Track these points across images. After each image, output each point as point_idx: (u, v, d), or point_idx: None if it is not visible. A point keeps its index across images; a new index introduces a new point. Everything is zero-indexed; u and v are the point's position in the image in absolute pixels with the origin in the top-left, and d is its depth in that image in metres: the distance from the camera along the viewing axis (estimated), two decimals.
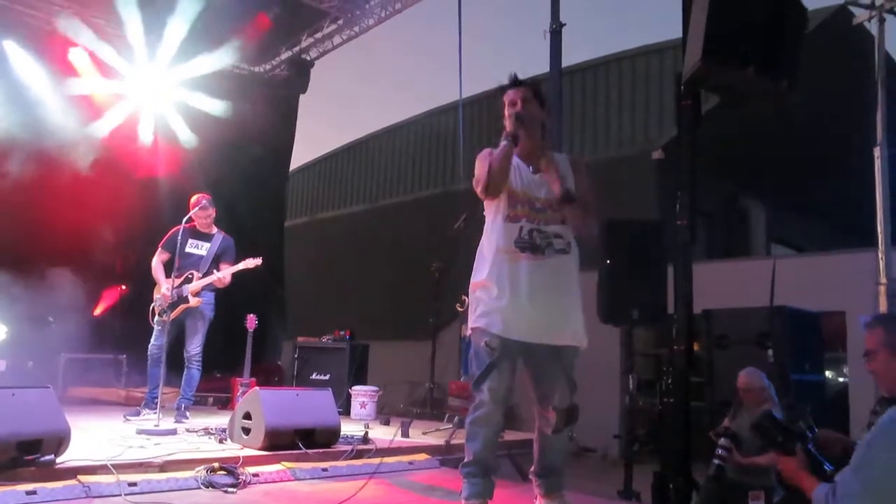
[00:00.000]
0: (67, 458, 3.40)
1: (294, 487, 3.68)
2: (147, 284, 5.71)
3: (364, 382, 6.80)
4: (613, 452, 8.19)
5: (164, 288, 5.38)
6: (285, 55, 9.79)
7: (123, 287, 8.53)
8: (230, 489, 3.45)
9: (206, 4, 7.29)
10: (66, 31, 7.51)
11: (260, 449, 4.09)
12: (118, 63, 7.75)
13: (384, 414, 6.54)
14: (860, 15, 5.94)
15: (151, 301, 5.56)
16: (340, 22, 9.21)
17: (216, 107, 8.01)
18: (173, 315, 5.32)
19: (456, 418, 5.54)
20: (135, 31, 7.49)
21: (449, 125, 14.35)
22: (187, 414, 5.40)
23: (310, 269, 14.86)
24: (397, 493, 3.69)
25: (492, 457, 3.05)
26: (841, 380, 9.26)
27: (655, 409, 5.85)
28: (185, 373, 5.48)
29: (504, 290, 2.94)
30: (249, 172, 9.14)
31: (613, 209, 4.80)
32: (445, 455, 4.56)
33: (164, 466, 3.59)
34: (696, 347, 5.85)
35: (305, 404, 4.47)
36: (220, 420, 5.11)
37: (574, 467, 3.34)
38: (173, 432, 4.58)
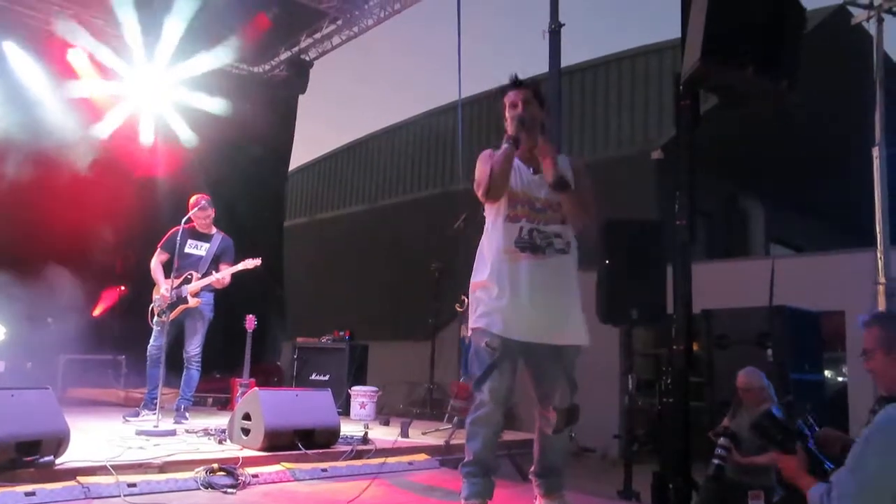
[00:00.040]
0: (67, 459, 3.40)
1: (293, 488, 3.68)
2: (146, 285, 5.71)
3: (363, 383, 6.80)
4: (613, 452, 8.20)
5: (164, 288, 5.38)
6: (284, 55, 9.80)
7: (122, 288, 8.53)
8: (229, 490, 3.44)
9: (203, 3, 7.29)
10: (63, 34, 7.51)
11: (259, 450, 4.09)
12: (117, 64, 7.75)
13: (384, 414, 6.53)
14: (859, 15, 5.94)
15: (150, 302, 5.56)
16: (339, 22, 9.21)
17: (216, 105, 8.01)
18: (172, 316, 5.32)
19: (455, 418, 5.54)
20: (132, 31, 7.49)
21: (448, 125, 14.34)
22: (186, 415, 5.39)
23: (309, 269, 14.86)
24: (397, 494, 3.69)
25: (492, 457, 3.05)
26: (840, 379, 9.27)
27: (655, 409, 5.85)
28: (184, 373, 5.48)
29: (504, 290, 2.95)
30: (249, 172, 9.15)
31: (613, 209, 4.80)
32: (445, 455, 4.55)
33: (164, 467, 3.58)
34: (695, 347, 5.85)
35: (305, 405, 4.47)
36: (220, 421, 5.11)
37: (574, 467, 3.34)
38: (172, 433, 4.57)
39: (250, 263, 5.48)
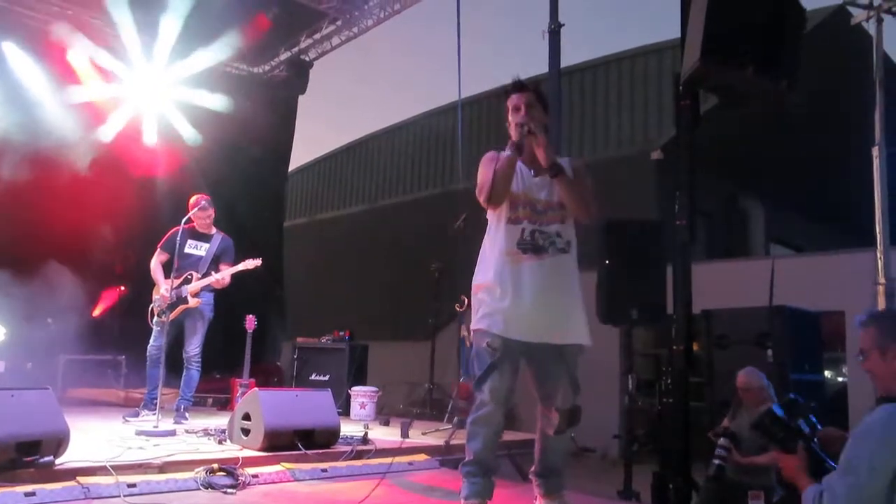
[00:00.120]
0: (66, 460, 3.40)
1: (293, 488, 3.67)
2: (146, 285, 5.71)
3: (363, 383, 6.80)
4: (613, 452, 8.20)
5: (163, 289, 5.37)
6: (284, 56, 9.79)
7: (122, 288, 8.53)
8: (229, 490, 3.44)
9: (199, 0, 7.28)
10: (62, 37, 7.52)
11: (259, 450, 4.09)
12: (117, 66, 7.75)
13: (384, 414, 6.53)
14: (858, 15, 5.93)
15: (150, 302, 5.56)
16: (339, 23, 9.21)
17: (216, 101, 8.01)
18: (172, 316, 5.32)
19: (455, 419, 5.55)
20: (128, 31, 7.49)
21: (448, 125, 14.34)
22: (186, 415, 5.39)
23: (309, 269, 14.86)
24: (397, 494, 3.69)
25: (492, 457, 3.05)
26: (840, 379, 9.28)
27: (655, 410, 5.84)
28: (184, 374, 5.48)
29: (507, 291, 2.95)
30: (249, 173, 9.15)
31: (613, 209, 4.80)
32: (445, 455, 4.55)
33: (164, 467, 3.58)
34: (695, 347, 5.84)
35: (305, 405, 4.46)
36: (220, 421, 5.11)
37: (574, 467, 3.34)
38: (172, 433, 4.57)
39: (250, 264, 5.48)
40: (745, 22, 3.40)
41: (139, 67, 7.75)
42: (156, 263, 5.54)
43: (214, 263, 5.54)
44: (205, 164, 8.25)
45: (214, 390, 7.20)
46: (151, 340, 5.40)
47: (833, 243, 12.06)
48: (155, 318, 5.42)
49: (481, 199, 3.00)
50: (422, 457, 4.49)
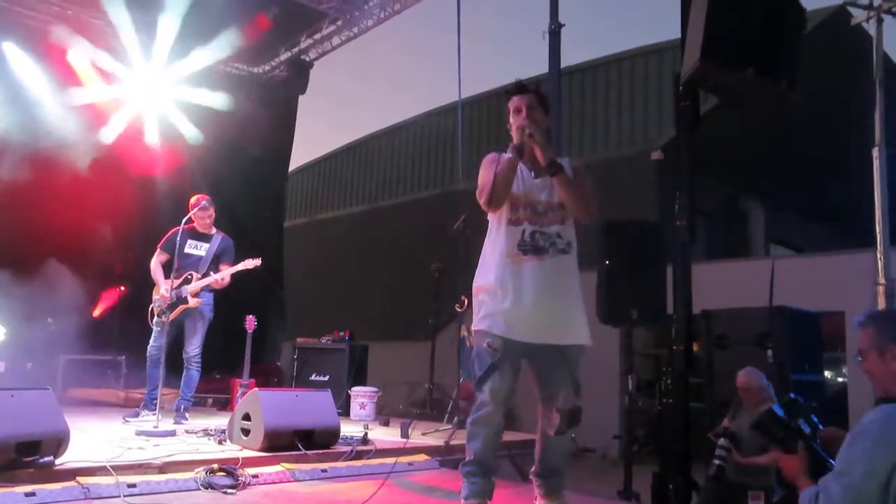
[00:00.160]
0: (66, 460, 3.40)
1: (293, 489, 3.68)
2: (146, 285, 5.71)
3: (363, 383, 6.80)
4: (613, 453, 8.19)
5: (163, 289, 5.37)
6: (284, 56, 9.79)
7: (122, 288, 8.52)
8: (229, 490, 3.44)
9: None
10: (62, 39, 7.52)
11: (259, 450, 4.09)
12: (117, 67, 7.75)
13: (383, 415, 6.53)
14: (858, 15, 5.93)
15: (150, 302, 5.56)
16: (339, 23, 9.20)
17: (216, 100, 8.01)
18: (172, 316, 5.32)
19: (455, 419, 5.55)
20: (127, 31, 7.49)
21: (448, 126, 14.35)
22: (186, 415, 5.39)
23: (309, 269, 14.86)
24: (397, 494, 3.69)
25: (492, 457, 3.05)
26: (840, 380, 9.28)
27: (655, 410, 5.84)
28: (184, 374, 5.48)
29: (507, 293, 2.96)
30: (249, 173, 9.14)
31: (613, 210, 4.80)
32: (445, 456, 4.55)
33: (164, 468, 3.59)
34: (695, 348, 5.85)
35: (305, 405, 4.46)
36: (220, 421, 5.11)
37: (573, 468, 3.34)
38: (172, 433, 4.57)
39: (250, 263, 5.48)
40: (745, 22, 3.40)
41: (139, 68, 7.74)
42: (156, 263, 5.54)
43: (214, 263, 5.54)
44: (205, 164, 8.24)
45: (214, 390, 7.20)
46: (151, 341, 5.40)
47: (833, 243, 12.07)
48: (155, 319, 5.42)
49: (481, 201, 3.00)
50: (422, 457, 4.49)
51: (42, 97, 7.71)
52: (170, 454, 3.78)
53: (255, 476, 3.67)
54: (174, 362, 5.37)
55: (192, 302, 5.39)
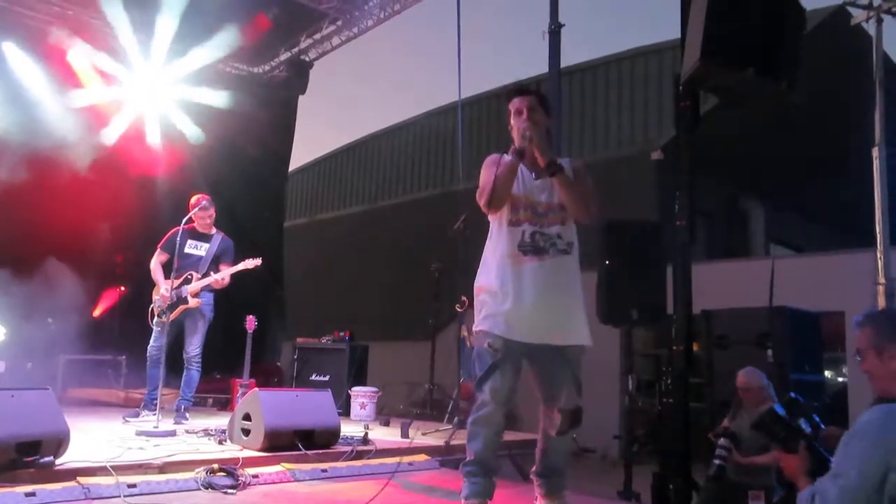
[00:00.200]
0: (66, 460, 3.40)
1: (293, 489, 3.68)
2: (146, 285, 5.71)
3: (363, 383, 6.80)
4: (613, 453, 8.19)
5: (164, 289, 5.37)
6: (284, 56, 9.79)
7: (123, 288, 8.52)
8: (230, 490, 3.44)
9: None
10: (61, 41, 7.51)
11: (259, 450, 4.09)
12: (117, 68, 7.75)
13: (384, 415, 6.53)
14: (858, 15, 5.94)
15: (150, 302, 5.56)
16: (339, 23, 9.21)
17: (217, 98, 8.01)
18: (172, 316, 5.32)
19: (456, 419, 5.55)
20: (125, 31, 7.49)
21: (448, 126, 14.35)
22: (187, 415, 5.39)
23: (309, 269, 14.86)
24: (397, 494, 3.69)
25: (493, 457, 3.05)
26: (840, 380, 9.28)
27: (655, 410, 5.84)
28: (184, 374, 5.48)
29: (508, 293, 2.96)
30: (249, 173, 9.15)
31: (613, 210, 4.80)
32: (445, 456, 4.55)
33: (164, 468, 3.58)
34: (695, 348, 5.85)
35: (305, 405, 4.46)
36: (220, 421, 5.11)
37: (574, 468, 3.34)
38: (173, 434, 4.57)
39: (250, 264, 5.48)
40: (745, 22, 3.40)
41: (138, 68, 7.74)
42: (156, 264, 5.54)
43: (214, 264, 5.54)
44: (205, 163, 8.24)
45: (215, 390, 7.20)
46: (152, 341, 5.40)
47: (833, 243, 12.08)
48: (155, 319, 5.42)
49: (482, 202, 3.01)
50: (422, 457, 4.49)
51: (42, 97, 7.71)
52: (170, 454, 3.78)
53: (255, 476, 3.67)
54: (174, 362, 5.37)
55: (193, 302, 5.39)
